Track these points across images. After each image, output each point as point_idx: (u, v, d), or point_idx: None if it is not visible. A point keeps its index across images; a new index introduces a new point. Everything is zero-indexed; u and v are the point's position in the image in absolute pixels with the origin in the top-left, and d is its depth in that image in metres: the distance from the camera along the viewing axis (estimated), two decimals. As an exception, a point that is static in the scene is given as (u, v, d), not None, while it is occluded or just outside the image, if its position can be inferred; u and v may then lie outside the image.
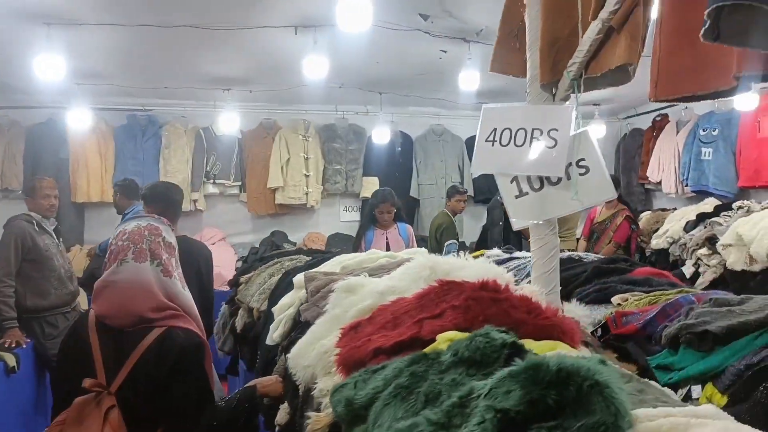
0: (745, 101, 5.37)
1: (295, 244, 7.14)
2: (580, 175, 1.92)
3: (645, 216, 6.64)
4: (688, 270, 5.53)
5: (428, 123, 7.65)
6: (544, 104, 1.97)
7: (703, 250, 5.36)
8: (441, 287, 1.54)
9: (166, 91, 6.34)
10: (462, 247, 7.10)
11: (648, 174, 7.31)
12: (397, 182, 7.55)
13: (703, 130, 6.37)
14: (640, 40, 1.63)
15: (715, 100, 6.17)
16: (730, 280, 5.02)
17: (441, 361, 1.24)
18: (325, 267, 2.45)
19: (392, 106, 7.24)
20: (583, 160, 1.92)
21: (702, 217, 5.71)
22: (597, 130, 7.30)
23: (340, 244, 6.97)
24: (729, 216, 5.47)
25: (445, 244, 5.62)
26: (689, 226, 5.76)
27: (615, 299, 2.46)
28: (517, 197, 1.98)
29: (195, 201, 6.96)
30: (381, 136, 7.02)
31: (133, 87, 6.19)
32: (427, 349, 1.35)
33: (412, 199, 7.68)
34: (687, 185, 6.60)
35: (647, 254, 6.26)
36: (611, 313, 2.31)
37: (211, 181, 7.00)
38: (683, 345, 1.98)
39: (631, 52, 1.63)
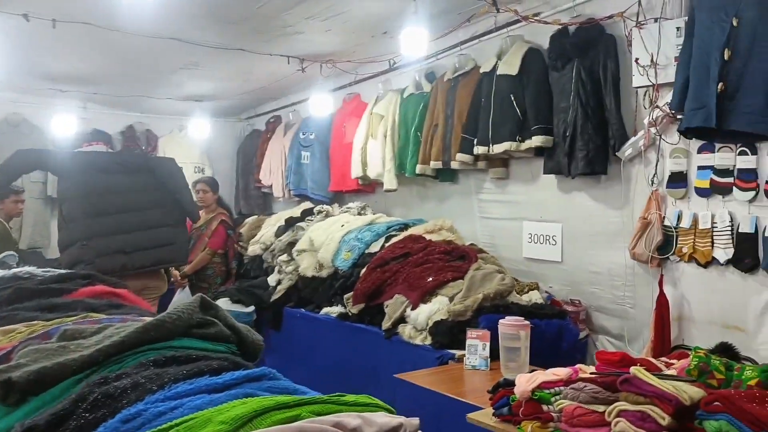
0: (317, 105, 5.47)
1: None
2: None
3: (249, 221, 6.49)
4: (274, 278, 5.44)
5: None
6: None
7: (284, 257, 5.30)
8: None
9: None
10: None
11: (261, 177, 7.23)
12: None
13: (303, 134, 6.45)
14: None
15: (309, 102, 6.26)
16: (302, 286, 5.02)
17: None
18: None
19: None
20: None
21: (291, 222, 5.69)
22: (199, 128, 6.94)
23: None
24: (312, 220, 5.52)
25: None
26: (280, 231, 5.70)
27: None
28: None
29: None
30: None
31: None
32: None
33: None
34: (290, 189, 6.62)
35: (245, 261, 6.08)
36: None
37: None
38: None
39: None
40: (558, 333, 3.76)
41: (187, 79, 5.96)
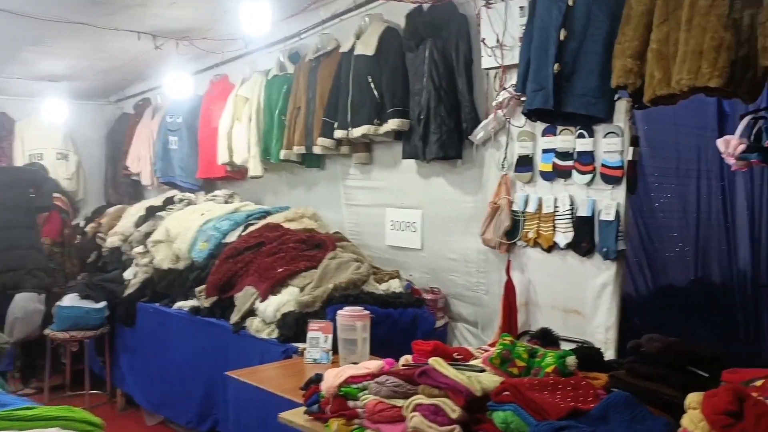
0: (174, 87, 5.18)
1: None
2: None
3: (110, 211, 6.10)
4: (130, 271, 5.12)
5: None
6: None
7: (140, 248, 4.99)
8: None
9: None
10: None
11: (129, 164, 6.83)
12: None
13: (170, 117, 6.12)
14: None
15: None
16: (157, 280, 4.74)
17: None
18: None
19: None
20: None
21: (152, 211, 5.38)
22: (55, 110, 6.46)
23: None
24: (173, 209, 5.23)
25: None
26: (139, 221, 5.38)
27: None
28: None
29: None
30: None
31: None
32: None
33: None
34: (158, 177, 6.28)
35: (104, 253, 5.70)
36: None
37: None
38: None
39: None
40: (413, 322, 3.71)
41: (36, 56, 5.50)
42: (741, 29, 2.37)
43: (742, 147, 2.34)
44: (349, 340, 2.94)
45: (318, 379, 2.20)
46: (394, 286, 3.95)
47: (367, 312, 3.01)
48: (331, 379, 2.09)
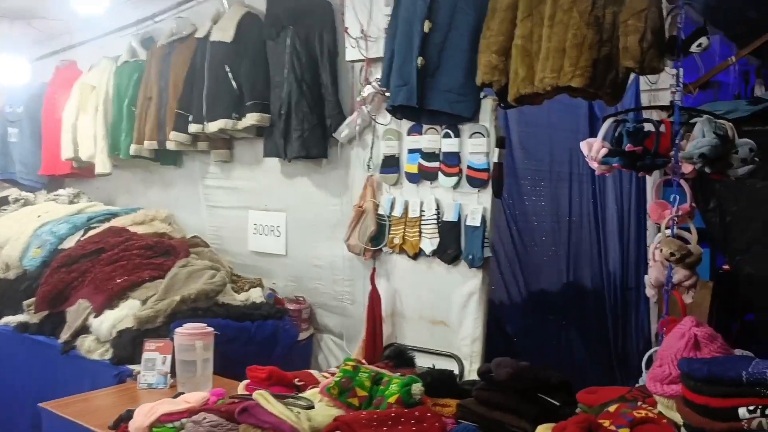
0: (6, 72, 4.61)
1: None
2: None
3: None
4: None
5: None
6: None
7: (-39, 256, 4.38)
8: None
9: None
10: None
11: (-36, 158, 6.08)
12: None
13: (10, 107, 5.48)
14: None
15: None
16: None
17: None
18: None
19: None
20: None
21: (-18, 213, 4.77)
22: None
23: None
24: (6, 210, 4.66)
25: None
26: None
27: None
28: None
29: None
30: None
31: None
32: None
33: None
34: (-2, 173, 5.63)
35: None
36: None
37: None
38: None
39: None
40: (273, 336, 3.44)
41: None
42: (603, 27, 2.29)
43: (604, 150, 2.25)
44: (187, 362, 2.61)
45: (128, 416, 1.88)
46: (255, 295, 3.65)
47: (210, 329, 2.70)
48: (142, 417, 1.78)
